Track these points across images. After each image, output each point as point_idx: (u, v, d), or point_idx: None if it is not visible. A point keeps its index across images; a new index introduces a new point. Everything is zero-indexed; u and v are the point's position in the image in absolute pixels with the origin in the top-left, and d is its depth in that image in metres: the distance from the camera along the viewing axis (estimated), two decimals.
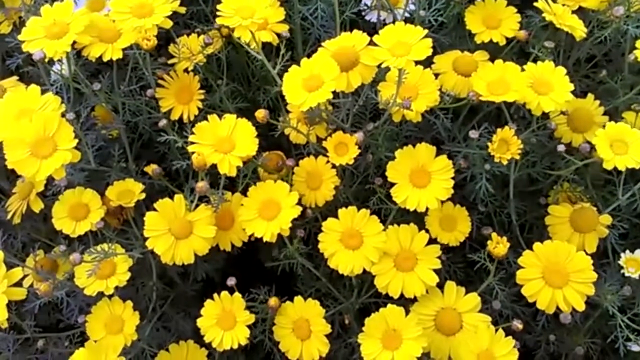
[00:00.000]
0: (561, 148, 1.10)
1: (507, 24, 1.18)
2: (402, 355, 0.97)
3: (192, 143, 1.03)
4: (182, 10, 1.18)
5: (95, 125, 1.22)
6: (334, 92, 0.99)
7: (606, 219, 1.09)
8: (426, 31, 1.00)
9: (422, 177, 1.03)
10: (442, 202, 1.04)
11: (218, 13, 1.05)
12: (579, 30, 1.11)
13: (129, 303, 1.09)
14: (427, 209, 1.02)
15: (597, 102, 1.16)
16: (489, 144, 1.06)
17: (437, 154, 1.05)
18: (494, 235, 1.03)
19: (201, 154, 1.01)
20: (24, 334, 1.16)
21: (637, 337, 1.07)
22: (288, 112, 1.17)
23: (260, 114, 1.05)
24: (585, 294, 1.00)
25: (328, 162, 1.09)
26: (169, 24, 1.12)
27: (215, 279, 1.25)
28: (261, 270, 1.19)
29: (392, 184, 1.04)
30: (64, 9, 1.11)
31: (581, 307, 1.00)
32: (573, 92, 1.06)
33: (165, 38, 1.24)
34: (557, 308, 1.00)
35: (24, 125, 1.02)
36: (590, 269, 1.00)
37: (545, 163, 1.17)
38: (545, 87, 1.06)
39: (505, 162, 1.06)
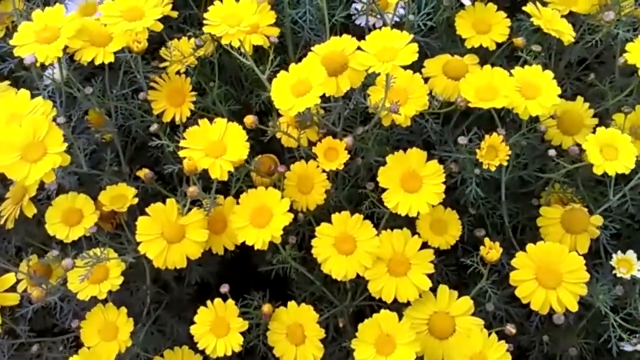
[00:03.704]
0: (552, 153, 1.10)
1: (497, 29, 1.18)
2: None
3: (184, 147, 1.02)
4: (174, 14, 1.18)
5: (88, 129, 1.22)
6: (325, 96, 0.98)
7: (596, 219, 1.09)
8: (412, 36, 1.00)
9: (413, 182, 1.03)
10: (433, 205, 1.03)
11: (205, 22, 1.06)
12: (567, 34, 1.11)
13: (123, 309, 1.08)
14: (418, 212, 1.02)
15: (587, 104, 1.16)
16: (477, 150, 1.06)
17: (429, 158, 1.05)
18: (486, 240, 1.03)
19: (192, 158, 1.01)
20: (19, 339, 1.16)
21: (630, 336, 1.07)
22: (280, 115, 1.16)
23: (249, 119, 1.04)
24: (578, 295, 1.00)
25: (319, 166, 1.09)
26: (159, 27, 1.12)
27: (210, 282, 1.25)
28: (257, 273, 1.19)
29: (384, 189, 1.03)
30: (55, 14, 1.11)
31: (574, 307, 1.00)
32: (564, 95, 1.06)
33: (158, 42, 1.24)
34: (551, 309, 1.00)
35: (14, 130, 1.01)
36: (583, 270, 1.00)
37: (536, 165, 1.17)
38: (533, 91, 1.05)
39: (493, 169, 1.06)
